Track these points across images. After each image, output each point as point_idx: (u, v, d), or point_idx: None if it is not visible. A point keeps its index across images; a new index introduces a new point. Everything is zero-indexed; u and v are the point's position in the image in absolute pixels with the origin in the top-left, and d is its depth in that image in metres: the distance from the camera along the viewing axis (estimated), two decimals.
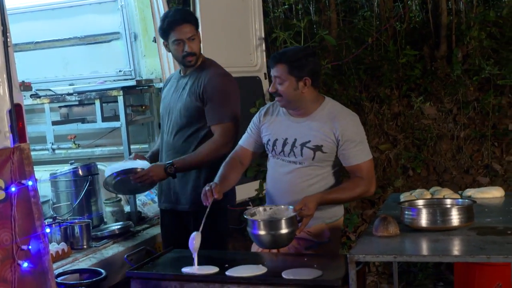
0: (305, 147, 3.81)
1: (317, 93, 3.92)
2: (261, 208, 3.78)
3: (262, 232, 3.58)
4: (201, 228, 3.67)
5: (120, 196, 5.47)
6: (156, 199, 5.55)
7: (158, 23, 4.69)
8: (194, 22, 4.49)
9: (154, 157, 4.76)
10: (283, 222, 3.57)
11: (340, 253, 4.28)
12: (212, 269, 3.51)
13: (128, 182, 4.45)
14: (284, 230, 3.56)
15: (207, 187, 3.83)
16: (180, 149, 4.47)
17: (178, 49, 4.46)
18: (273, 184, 4.00)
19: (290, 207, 3.71)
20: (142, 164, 4.46)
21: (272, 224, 3.59)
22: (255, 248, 3.99)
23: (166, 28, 4.48)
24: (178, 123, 4.48)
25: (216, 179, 3.97)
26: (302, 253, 3.85)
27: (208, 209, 3.77)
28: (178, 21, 4.43)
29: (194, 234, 3.66)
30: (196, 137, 4.44)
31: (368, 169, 3.83)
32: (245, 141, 4.14)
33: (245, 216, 3.68)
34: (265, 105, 4.17)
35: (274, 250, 3.84)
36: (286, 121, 3.92)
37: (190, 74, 4.52)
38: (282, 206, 3.78)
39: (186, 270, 3.52)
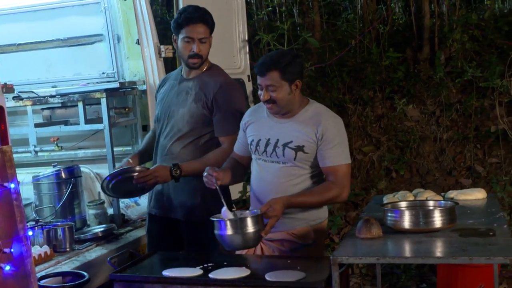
0: (287, 147, 3.81)
1: (302, 95, 3.93)
2: (228, 213, 3.75)
3: (229, 232, 3.57)
4: (225, 206, 3.69)
5: (103, 198, 5.45)
6: (139, 201, 5.53)
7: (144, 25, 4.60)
8: (211, 25, 4.35)
9: (141, 158, 4.60)
10: (248, 220, 3.57)
11: (324, 255, 4.28)
12: (195, 272, 3.51)
13: (127, 184, 4.31)
14: (250, 229, 3.56)
15: (205, 173, 3.81)
16: (178, 156, 4.34)
17: (186, 47, 4.31)
18: (257, 184, 3.99)
19: (255, 211, 3.72)
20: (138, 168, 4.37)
21: (237, 222, 3.59)
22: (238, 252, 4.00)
23: (181, 23, 4.31)
24: (181, 128, 4.35)
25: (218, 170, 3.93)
26: (286, 255, 3.85)
27: (219, 189, 3.75)
28: (194, 19, 4.27)
29: (224, 209, 3.68)
30: (196, 145, 4.34)
31: (343, 174, 3.78)
32: (237, 147, 4.15)
33: (211, 219, 3.67)
34: (249, 109, 4.17)
35: (245, 252, 3.86)
36: (269, 122, 3.92)
37: (195, 78, 4.38)
38: (247, 211, 3.80)
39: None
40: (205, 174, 3.82)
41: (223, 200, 3.70)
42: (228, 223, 3.58)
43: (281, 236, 3.84)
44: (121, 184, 4.34)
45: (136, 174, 4.26)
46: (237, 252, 3.96)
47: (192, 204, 4.34)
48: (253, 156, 4.02)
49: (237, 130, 4.17)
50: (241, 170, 4.14)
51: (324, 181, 3.91)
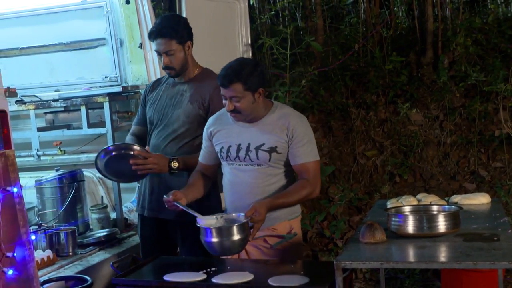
0: (260, 150, 3.90)
1: (265, 98, 4.01)
2: (213, 217, 3.79)
3: (215, 240, 3.60)
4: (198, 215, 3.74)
5: (106, 203, 5.44)
6: None
7: (146, 29, 4.63)
8: (171, 35, 4.33)
9: None
10: (235, 229, 3.60)
11: (327, 260, 4.29)
12: (198, 276, 3.50)
13: (120, 163, 4.33)
14: (236, 237, 3.60)
15: (167, 196, 3.85)
16: (174, 156, 4.38)
17: (158, 59, 4.46)
18: (233, 189, 4.05)
19: (241, 214, 3.75)
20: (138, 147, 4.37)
21: (224, 231, 3.61)
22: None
23: (148, 37, 4.51)
24: (176, 129, 4.42)
25: (183, 188, 4.01)
26: (290, 260, 3.87)
27: (185, 208, 3.79)
28: (153, 34, 4.37)
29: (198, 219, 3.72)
30: (191, 146, 4.40)
31: (314, 170, 3.93)
32: (202, 156, 4.21)
33: (197, 225, 3.70)
34: (211, 116, 4.20)
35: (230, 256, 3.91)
36: (237, 128, 4.00)
37: (189, 81, 4.47)
38: (233, 214, 3.82)
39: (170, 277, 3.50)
40: (164, 199, 3.86)
41: (191, 212, 3.74)
42: (214, 231, 3.61)
43: (263, 233, 3.92)
44: (114, 162, 4.36)
45: (134, 152, 4.28)
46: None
47: None
48: (224, 163, 4.08)
49: None
50: (206, 182, 4.18)
51: (295, 177, 4.03)
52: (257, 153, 3.90)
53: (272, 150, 3.89)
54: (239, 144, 3.95)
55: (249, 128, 3.96)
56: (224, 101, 3.90)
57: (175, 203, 3.81)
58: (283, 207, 3.91)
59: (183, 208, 3.81)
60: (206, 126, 4.15)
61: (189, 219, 3.86)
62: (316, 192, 3.97)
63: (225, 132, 4.03)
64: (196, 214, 3.74)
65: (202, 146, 4.20)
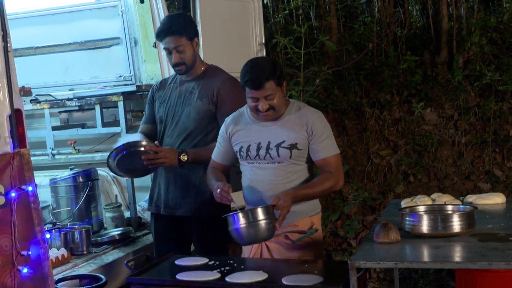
0: (281, 147, 3.92)
1: None
2: (238, 211, 3.78)
3: (242, 225, 3.61)
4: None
5: (120, 201, 5.46)
6: None
7: None
8: (181, 32, 4.39)
9: None
10: (259, 211, 3.62)
11: (341, 260, 4.29)
12: (212, 275, 3.50)
13: (131, 160, 4.37)
14: (262, 219, 3.61)
15: (218, 190, 3.84)
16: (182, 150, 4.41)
17: (168, 57, 4.50)
18: (253, 187, 4.05)
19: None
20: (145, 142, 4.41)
21: (250, 214, 3.63)
22: (245, 254, 4.06)
23: (156, 37, 4.57)
24: (187, 126, 4.45)
25: (217, 183, 3.97)
26: (304, 260, 3.87)
27: (234, 201, 3.82)
28: (161, 33, 4.43)
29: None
30: (205, 142, 4.43)
31: (336, 163, 3.96)
32: (217, 155, 4.22)
33: (223, 216, 3.71)
34: (228, 116, 4.20)
35: (252, 254, 3.95)
36: (256, 127, 4.01)
37: (196, 78, 4.50)
38: (258, 207, 3.79)
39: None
40: (218, 191, 3.85)
41: (236, 207, 3.82)
42: (240, 215, 3.63)
43: (285, 229, 3.92)
44: (125, 160, 4.40)
45: (144, 148, 4.33)
46: (246, 254, 4.01)
47: (200, 200, 4.40)
48: (243, 162, 4.10)
49: None
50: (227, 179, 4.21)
51: (315, 173, 4.07)
52: (278, 151, 3.91)
53: (292, 146, 3.91)
54: (259, 143, 3.96)
55: (269, 126, 3.97)
56: (252, 103, 3.89)
57: (230, 197, 3.82)
58: (307, 198, 3.93)
59: (234, 203, 3.84)
60: (223, 127, 4.16)
61: (206, 215, 3.86)
62: (340, 184, 3.98)
63: (244, 131, 4.04)
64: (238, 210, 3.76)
65: (218, 145, 4.20)
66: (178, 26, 4.40)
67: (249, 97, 3.89)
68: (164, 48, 4.46)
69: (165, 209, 4.56)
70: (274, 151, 3.92)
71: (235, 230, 3.65)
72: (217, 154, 4.21)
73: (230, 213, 3.69)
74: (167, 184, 4.52)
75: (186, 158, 4.31)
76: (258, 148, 3.97)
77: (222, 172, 4.18)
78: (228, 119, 4.17)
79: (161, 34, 4.43)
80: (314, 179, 3.97)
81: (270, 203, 3.73)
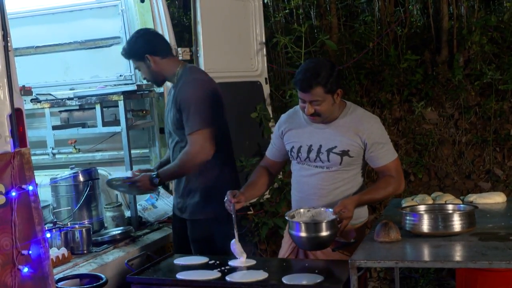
0: (332, 152, 3.85)
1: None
2: (301, 210, 3.79)
3: (303, 234, 3.59)
4: (236, 237, 3.74)
5: (121, 201, 5.46)
6: (156, 204, 5.54)
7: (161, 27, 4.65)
8: (132, 56, 4.51)
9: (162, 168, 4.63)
10: (324, 225, 3.58)
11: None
12: (213, 274, 3.50)
13: (121, 190, 4.69)
14: (325, 233, 3.57)
15: (227, 196, 3.83)
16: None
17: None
18: (299, 188, 4.03)
19: (329, 209, 3.72)
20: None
21: (314, 226, 3.60)
22: (281, 253, 4.08)
23: None
24: (174, 138, 4.45)
25: (243, 187, 4.00)
26: (303, 259, 3.87)
27: (234, 216, 3.79)
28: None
29: (233, 241, 3.73)
30: None
31: (397, 168, 3.91)
32: (270, 152, 4.20)
33: (286, 218, 3.70)
34: (284, 114, 4.17)
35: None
36: (309, 128, 3.94)
37: (175, 86, 4.46)
38: (322, 209, 3.78)
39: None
40: (225, 199, 3.83)
41: (235, 230, 3.75)
42: (304, 226, 3.59)
43: None
44: (117, 190, 4.72)
45: (121, 182, 4.46)
46: (280, 255, 4.10)
47: (193, 203, 4.42)
48: (293, 162, 4.06)
49: (197, 127, 4.21)
50: (270, 180, 4.19)
51: (364, 180, 4.02)
52: (328, 156, 3.85)
53: (344, 153, 3.84)
54: (310, 145, 3.90)
55: (322, 130, 3.90)
56: (302, 104, 3.84)
57: (232, 208, 3.79)
58: (371, 203, 3.92)
59: (233, 218, 3.79)
60: (277, 124, 4.13)
61: (198, 217, 3.89)
62: (402, 187, 3.94)
63: (296, 132, 3.99)
64: (235, 234, 3.75)
65: (271, 142, 4.18)
66: (129, 52, 4.50)
67: (299, 97, 3.84)
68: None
69: (174, 210, 4.65)
70: (324, 156, 3.86)
71: (296, 236, 3.63)
72: (269, 150, 4.19)
73: (291, 219, 3.68)
74: (177, 187, 4.56)
75: (156, 181, 4.33)
76: (309, 151, 3.91)
77: (272, 170, 4.17)
78: (283, 117, 4.13)
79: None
80: (377, 183, 3.92)
81: (334, 209, 3.66)
